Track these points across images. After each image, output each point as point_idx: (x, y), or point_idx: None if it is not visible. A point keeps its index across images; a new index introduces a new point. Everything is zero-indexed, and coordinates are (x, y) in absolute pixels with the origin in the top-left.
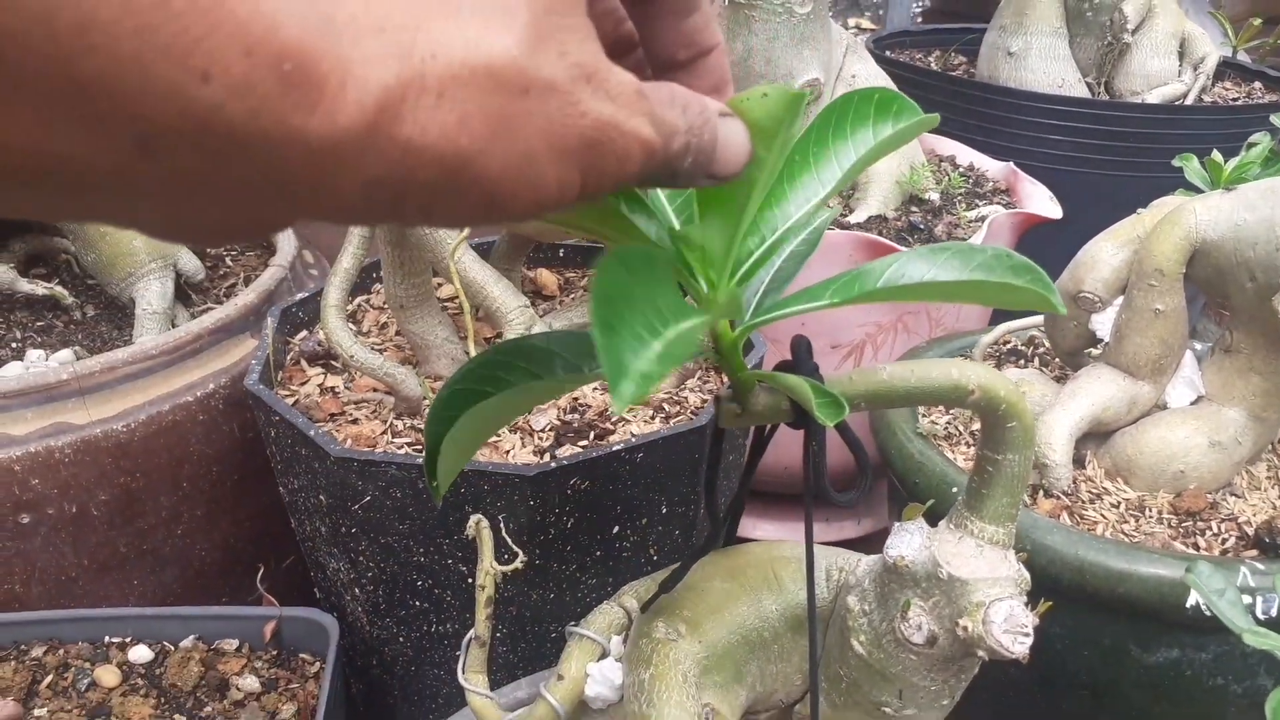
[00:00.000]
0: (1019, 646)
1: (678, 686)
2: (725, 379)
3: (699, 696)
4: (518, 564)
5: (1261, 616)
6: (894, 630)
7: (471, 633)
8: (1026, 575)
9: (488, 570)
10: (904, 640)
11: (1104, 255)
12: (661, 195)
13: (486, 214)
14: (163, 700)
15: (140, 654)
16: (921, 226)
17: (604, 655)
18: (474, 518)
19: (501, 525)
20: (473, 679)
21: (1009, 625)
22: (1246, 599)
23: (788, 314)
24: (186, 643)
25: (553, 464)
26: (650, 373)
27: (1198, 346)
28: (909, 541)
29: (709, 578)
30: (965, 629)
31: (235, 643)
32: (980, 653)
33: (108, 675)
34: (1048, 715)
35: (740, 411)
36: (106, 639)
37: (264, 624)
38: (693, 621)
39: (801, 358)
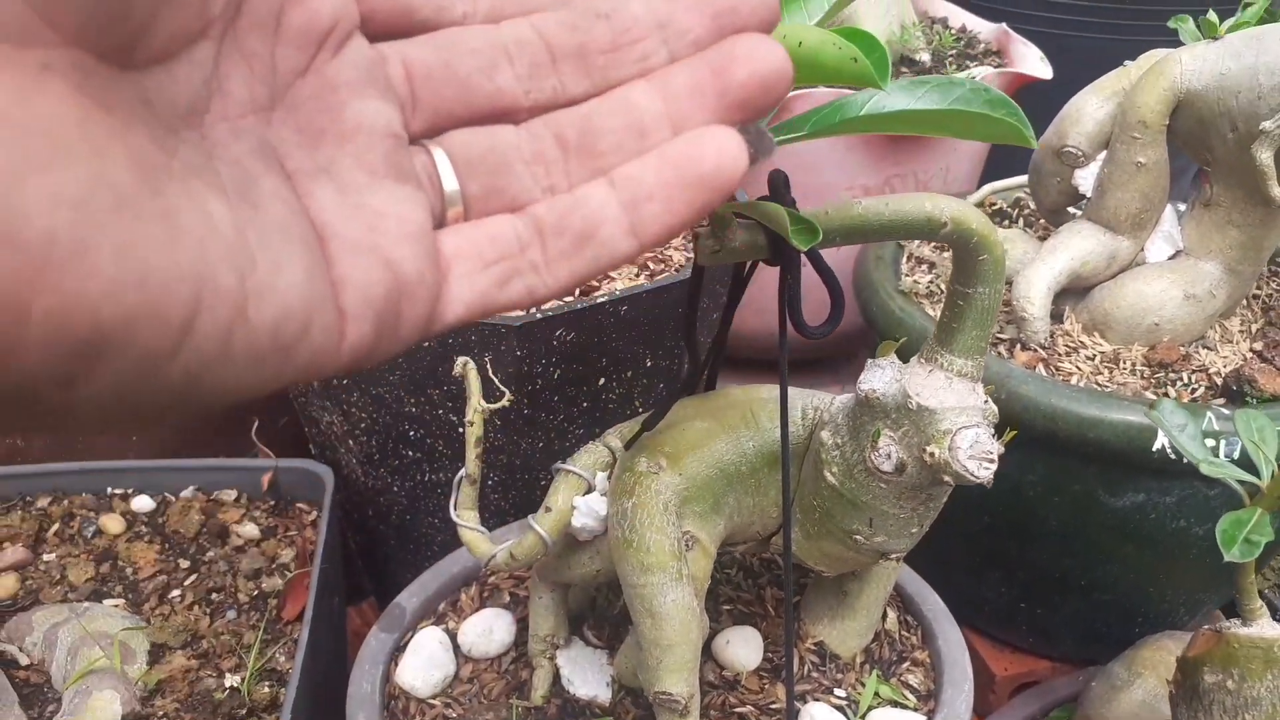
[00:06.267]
0: (984, 471)
1: (659, 514)
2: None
3: (679, 524)
4: (505, 402)
5: (1225, 459)
6: (865, 460)
7: (463, 471)
8: (994, 408)
9: (476, 408)
10: (874, 469)
11: (1088, 109)
12: None
13: None
14: (166, 545)
15: (142, 504)
16: None
17: (589, 490)
18: (460, 359)
19: (488, 366)
20: (464, 515)
21: (974, 451)
22: (1211, 442)
23: None
24: (186, 493)
25: (538, 314)
26: None
27: (1180, 206)
28: (880, 375)
29: (690, 418)
30: (932, 455)
31: (234, 493)
32: (946, 478)
33: (112, 523)
34: (1020, 561)
35: (718, 248)
36: (109, 490)
37: (261, 475)
38: (674, 456)
39: (778, 189)
